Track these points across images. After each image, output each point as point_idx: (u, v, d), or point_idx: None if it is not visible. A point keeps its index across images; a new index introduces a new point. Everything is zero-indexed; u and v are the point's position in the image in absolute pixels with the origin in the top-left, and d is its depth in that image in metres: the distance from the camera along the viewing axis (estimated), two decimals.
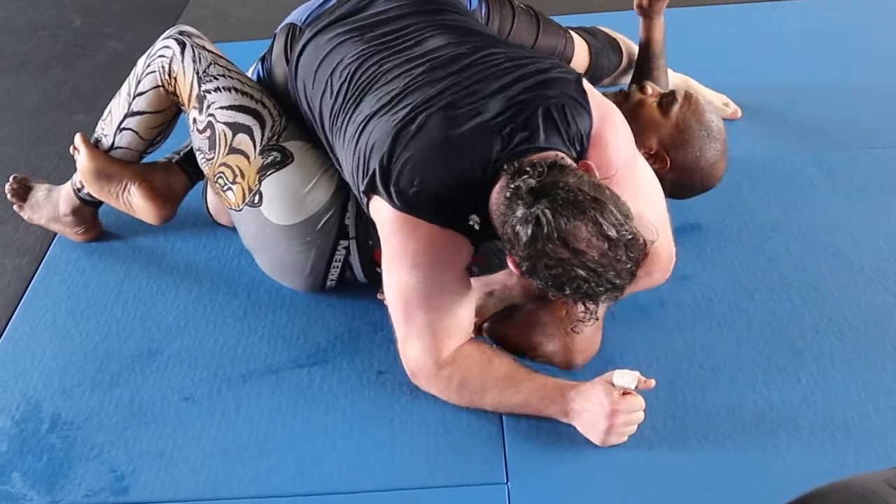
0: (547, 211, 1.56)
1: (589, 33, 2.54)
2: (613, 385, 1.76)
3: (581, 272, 1.58)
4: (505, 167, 1.69)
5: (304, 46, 2.08)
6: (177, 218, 2.34)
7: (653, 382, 1.78)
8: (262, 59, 2.26)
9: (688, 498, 1.72)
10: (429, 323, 1.82)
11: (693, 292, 2.16)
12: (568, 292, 1.61)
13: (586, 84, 1.85)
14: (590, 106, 1.81)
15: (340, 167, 2.00)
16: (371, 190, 1.79)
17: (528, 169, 1.64)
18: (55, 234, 2.45)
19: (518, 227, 1.59)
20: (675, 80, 2.74)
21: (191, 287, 2.26)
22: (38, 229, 2.46)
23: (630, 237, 1.59)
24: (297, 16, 2.18)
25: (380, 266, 1.88)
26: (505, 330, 1.96)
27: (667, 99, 2.22)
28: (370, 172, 1.78)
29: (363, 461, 1.82)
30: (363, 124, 1.84)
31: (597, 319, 1.78)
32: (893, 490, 1.18)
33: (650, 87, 2.27)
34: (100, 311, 2.22)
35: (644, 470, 1.77)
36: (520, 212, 1.59)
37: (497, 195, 1.67)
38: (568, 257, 1.57)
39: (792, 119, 2.77)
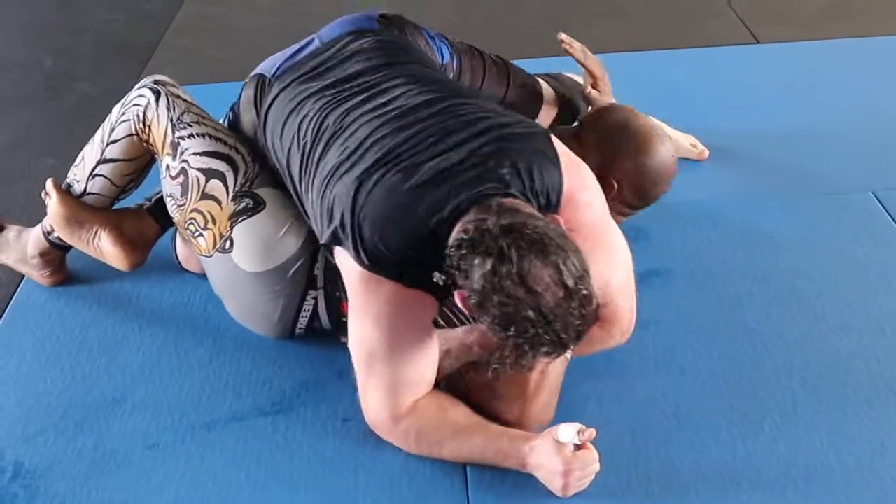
0: (512, 247, 1.55)
1: (556, 80, 2.56)
2: (559, 442, 1.76)
3: (531, 314, 1.55)
4: (472, 207, 1.67)
5: (272, 100, 2.08)
6: (145, 264, 2.32)
7: (594, 432, 1.76)
8: (232, 107, 2.26)
9: None
10: (389, 376, 1.81)
11: (657, 339, 2.17)
12: (512, 333, 1.58)
13: (555, 139, 1.85)
14: (559, 162, 1.80)
15: (308, 219, 1.98)
16: (334, 241, 1.79)
17: (495, 208, 1.64)
18: (23, 276, 2.43)
19: (476, 259, 1.56)
20: None
21: (157, 333, 2.25)
22: (4, 271, 2.44)
23: (586, 293, 1.58)
24: (266, 67, 2.18)
25: (346, 316, 1.88)
26: (463, 390, 1.91)
27: (578, 125, 2.17)
28: (333, 226, 1.78)
29: None
30: (329, 177, 1.83)
31: (529, 370, 1.77)
32: None
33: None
34: (65, 357, 2.20)
35: None
36: (482, 244, 1.57)
37: (459, 227, 1.66)
38: (523, 297, 1.55)
39: (758, 162, 2.80)
